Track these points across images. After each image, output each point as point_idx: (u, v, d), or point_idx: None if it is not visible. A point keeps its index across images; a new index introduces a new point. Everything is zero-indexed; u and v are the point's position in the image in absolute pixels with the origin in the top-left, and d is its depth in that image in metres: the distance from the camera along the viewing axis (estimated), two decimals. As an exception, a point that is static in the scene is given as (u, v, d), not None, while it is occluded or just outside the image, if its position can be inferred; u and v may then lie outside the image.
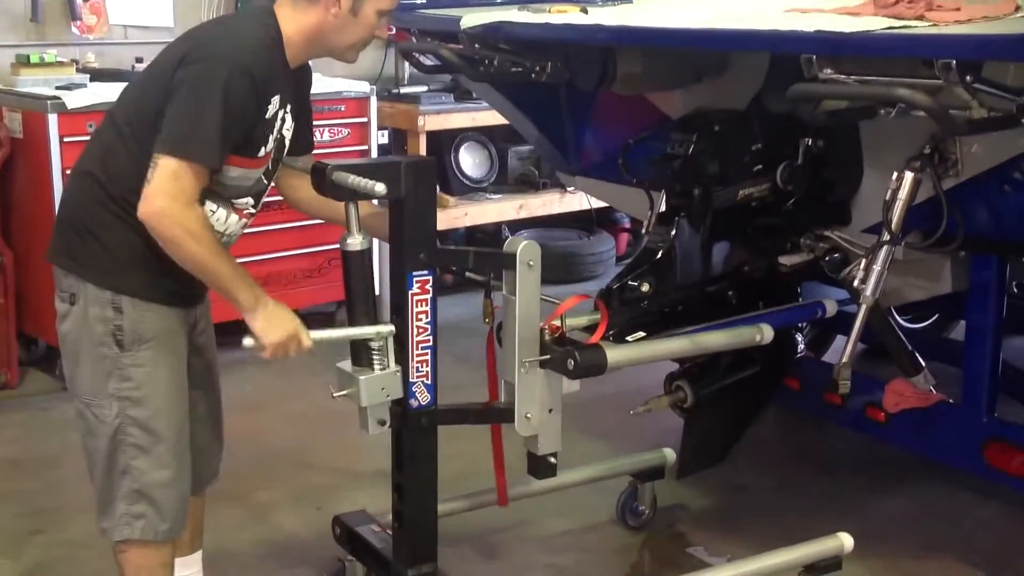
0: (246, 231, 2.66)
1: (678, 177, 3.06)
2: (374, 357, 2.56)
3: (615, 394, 3.90)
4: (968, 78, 2.23)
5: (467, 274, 2.86)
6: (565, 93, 3.91)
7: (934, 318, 4.76)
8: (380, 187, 2.40)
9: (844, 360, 2.93)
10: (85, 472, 3.61)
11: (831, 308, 3.32)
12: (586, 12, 3.23)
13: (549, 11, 3.26)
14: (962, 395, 3.25)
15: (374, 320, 2.58)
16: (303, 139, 2.70)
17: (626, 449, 3.89)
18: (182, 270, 2.41)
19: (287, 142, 2.59)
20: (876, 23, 2.47)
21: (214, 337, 2.78)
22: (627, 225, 6.65)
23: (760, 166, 3.10)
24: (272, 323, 2.45)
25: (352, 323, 2.58)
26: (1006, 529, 3.58)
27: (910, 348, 3.27)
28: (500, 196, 6.03)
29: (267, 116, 2.44)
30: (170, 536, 2.58)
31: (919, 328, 4.72)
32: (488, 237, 6.31)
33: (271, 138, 2.49)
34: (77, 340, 2.49)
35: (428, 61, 3.78)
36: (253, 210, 2.61)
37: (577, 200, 6.04)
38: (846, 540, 3.03)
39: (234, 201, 2.53)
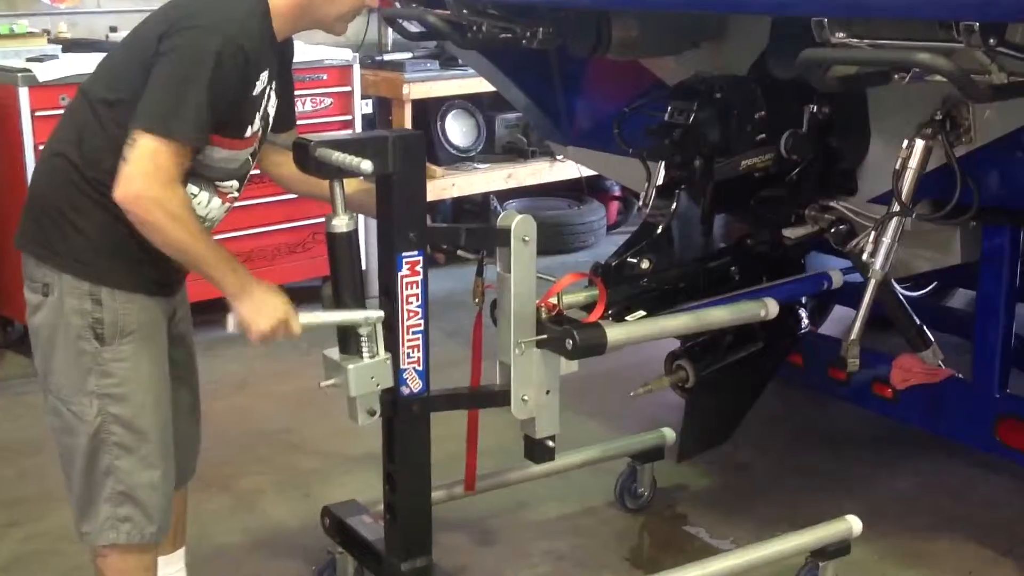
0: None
1: (678, 147, 2.92)
2: (363, 344, 2.42)
3: (614, 370, 3.77)
4: (992, 41, 2.09)
5: (459, 252, 2.72)
6: (556, 59, 3.77)
7: (932, 286, 4.65)
8: (366, 164, 2.26)
9: (853, 337, 2.83)
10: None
11: (837, 279, 3.19)
12: (579, -26, 3.07)
13: (540, -26, 3.11)
14: (972, 370, 3.13)
15: (362, 305, 2.44)
16: (286, 115, 2.57)
17: (625, 428, 3.78)
18: (164, 257, 2.28)
19: (270, 119, 2.46)
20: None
21: (191, 323, 2.65)
22: (618, 193, 6.52)
23: (763, 135, 2.96)
24: (261, 309, 2.30)
25: (339, 307, 2.44)
26: (1015, 504, 3.48)
27: (919, 322, 3.15)
28: (488, 166, 5.88)
29: (255, 93, 2.29)
30: (157, 538, 2.45)
31: (917, 296, 4.61)
32: (476, 208, 6.17)
33: (258, 116, 2.35)
34: (52, 334, 2.33)
35: (414, 27, 3.62)
36: (236, 194, 2.48)
37: (566, 169, 5.89)
38: (855, 523, 2.92)
39: (218, 184, 2.39)
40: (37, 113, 4.18)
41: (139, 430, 2.36)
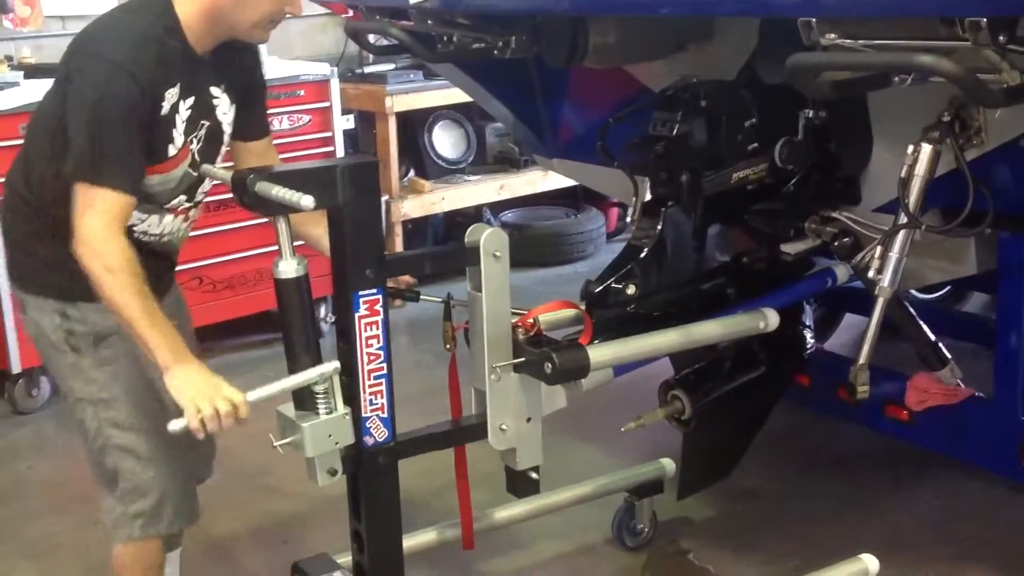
0: (203, 232, 2.57)
1: (663, 161, 2.69)
2: (318, 400, 2.20)
3: (613, 389, 3.53)
4: (1002, 38, 1.85)
5: (421, 297, 2.52)
6: (535, 68, 3.54)
7: (946, 290, 4.42)
8: (307, 200, 2.04)
9: (861, 361, 2.60)
10: (33, 511, 3.33)
11: (842, 274, 2.96)
12: (550, -21, 2.84)
13: (508, -21, 2.88)
14: (994, 390, 2.89)
15: (317, 359, 2.22)
16: (251, 124, 2.53)
17: (622, 455, 3.56)
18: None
19: (223, 127, 2.41)
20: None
21: (192, 332, 2.67)
22: (617, 200, 6.28)
23: (755, 144, 2.74)
24: (199, 387, 2.14)
25: (291, 361, 2.22)
26: (1044, 530, 3.24)
27: (934, 339, 2.92)
28: (479, 177, 5.67)
29: (162, 114, 2.24)
30: (173, 528, 2.50)
31: (931, 300, 4.37)
32: (469, 221, 5.93)
33: (176, 132, 2.30)
34: (42, 349, 2.45)
35: (382, 41, 3.40)
36: (190, 204, 2.45)
37: (562, 177, 5.64)
38: (871, 564, 2.70)
39: (165, 205, 2.39)
40: (-2, 144, 3.98)
41: (133, 429, 2.40)
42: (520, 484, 2.55)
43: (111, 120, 2.13)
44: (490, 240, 2.36)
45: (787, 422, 3.73)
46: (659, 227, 2.67)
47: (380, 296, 2.26)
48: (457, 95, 5.22)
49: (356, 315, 2.24)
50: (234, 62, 2.41)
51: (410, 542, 2.83)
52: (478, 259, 2.36)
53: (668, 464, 3.18)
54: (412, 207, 5.35)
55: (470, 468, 2.65)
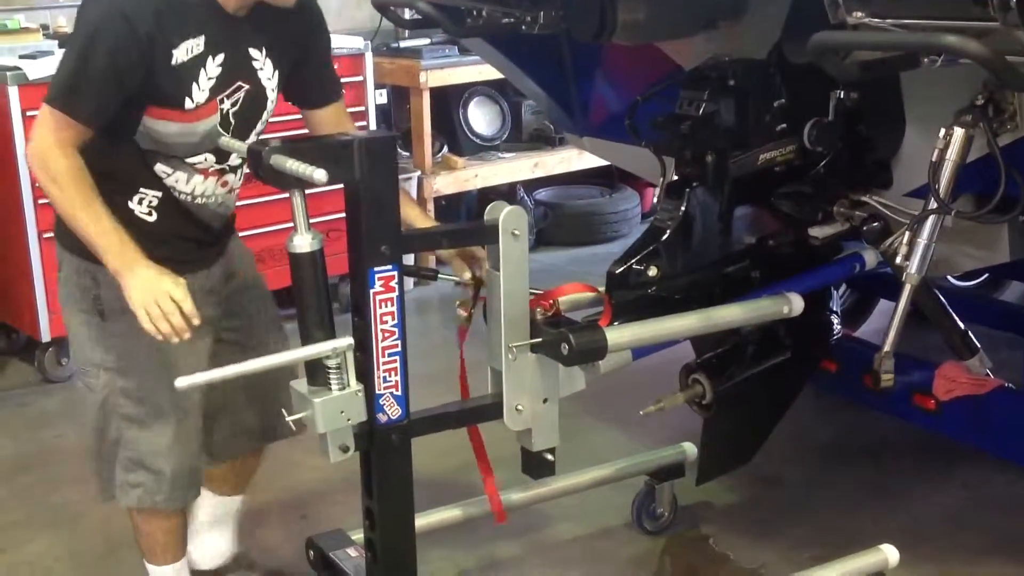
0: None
1: (688, 141, 2.64)
2: (331, 375, 2.19)
3: (635, 370, 3.49)
4: (1032, 19, 1.80)
5: (439, 277, 2.50)
6: (567, 44, 3.50)
7: (984, 277, 4.33)
8: (320, 173, 2.02)
9: (887, 349, 2.55)
10: (57, 479, 3.32)
11: (871, 259, 2.89)
12: (578, -48, 2.80)
13: (536, -48, 2.84)
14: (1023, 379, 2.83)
15: (330, 332, 2.21)
16: (310, 90, 2.56)
17: (643, 438, 3.53)
18: (180, 235, 2.41)
19: (266, 92, 2.41)
20: (917, -48, 2.04)
21: (259, 296, 2.67)
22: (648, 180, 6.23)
23: (784, 125, 2.68)
24: (145, 286, 2.21)
25: (304, 337, 2.21)
26: (1075, 523, 3.18)
27: (963, 328, 2.85)
28: (513, 154, 5.64)
29: (174, 63, 2.25)
30: (169, 505, 2.53)
31: (968, 287, 4.29)
32: (503, 199, 5.90)
33: (195, 86, 2.29)
34: (67, 309, 2.49)
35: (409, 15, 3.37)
36: (222, 166, 2.43)
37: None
38: (891, 554, 2.66)
39: (188, 160, 2.37)
40: (28, 113, 3.97)
41: (143, 400, 2.44)
42: (535, 465, 2.52)
43: (94, 57, 2.17)
44: (509, 218, 2.33)
45: (813, 408, 3.69)
46: (683, 208, 2.62)
47: (396, 273, 2.23)
48: (492, 71, 5.15)
49: (372, 291, 2.22)
50: (280, 25, 2.38)
51: (428, 519, 2.84)
52: (497, 237, 2.33)
53: (690, 448, 3.14)
54: (445, 183, 5.33)
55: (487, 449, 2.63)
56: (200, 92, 2.30)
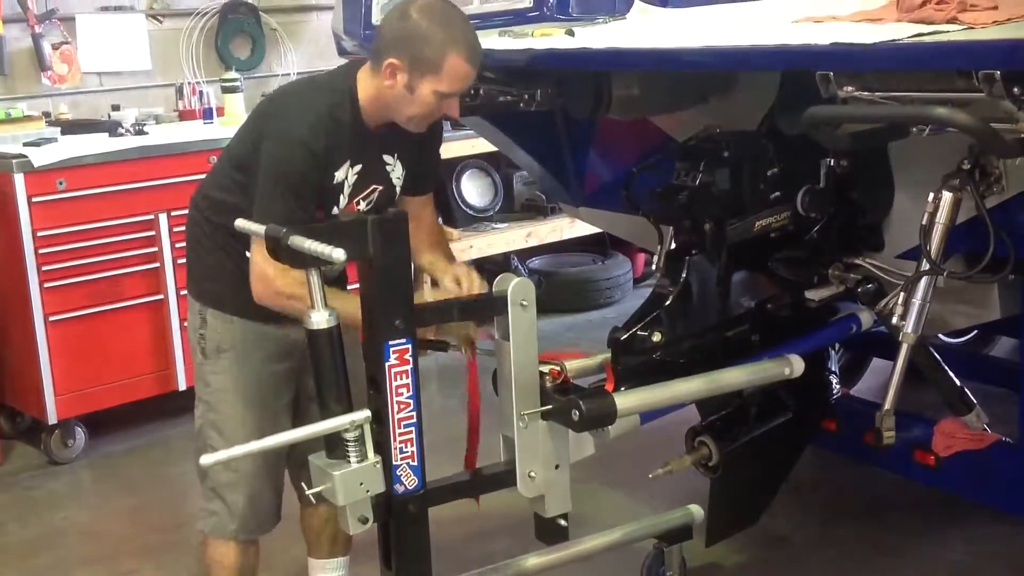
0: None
1: (686, 211, 2.73)
2: (349, 448, 2.25)
3: (641, 433, 3.55)
4: (1016, 90, 1.89)
5: (451, 345, 2.56)
6: (562, 119, 3.60)
7: (973, 334, 4.41)
8: (339, 252, 2.09)
9: (887, 407, 2.61)
10: (67, 561, 3.35)
11: (866, 320, 2.98)
12: (572, 35, 2.92)
13: (532, 35, 2.96)
14: (1020, 433, 2.89)
15: (348, 407, 2.27)
16: (416, 182, 2.78)
17: (650, 501, 3.56)
18: None
19: (396, 189, 2.69)
20: (902, 30, 2.15)
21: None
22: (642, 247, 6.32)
23: (778, 192, 2.78)
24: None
25: (323, 411, 2.27)
26: (1079, 575, 3.22)
27: (959, 384, 2.93)
28: (507, 225, 5.73)
29: (334, 182, 2.55)
30: (238, 536, 2.71)
31: (959, 344, 4.36)
32: (497, 268, 5.99)
33: (341, 197, 2.59)
34: (191, 344, 2.75)
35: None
36: None
37: (588, 224, 5.71)
38: (900, 610, 2.69)
39: None
40: (34, 199, 4.06)
41: (224, 434, 2.66)
42: (549, 531, 2.57)
43: (288, 185, 2.45)
44: (517, 290, 2.41)
45: (815, 467, 3.74)
46: (684, 275, 2.70)
47: (410, 346, 2.30)
48: (484, 144, 5.28)
49: (387, 364, 2.28)
50: (403, 135, 2.62)
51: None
52: (506, 308, 2.41)
53: (696, 510, 3.17)
54: (441, 256, 5.39)
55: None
56: (343, 200, 2.59)
